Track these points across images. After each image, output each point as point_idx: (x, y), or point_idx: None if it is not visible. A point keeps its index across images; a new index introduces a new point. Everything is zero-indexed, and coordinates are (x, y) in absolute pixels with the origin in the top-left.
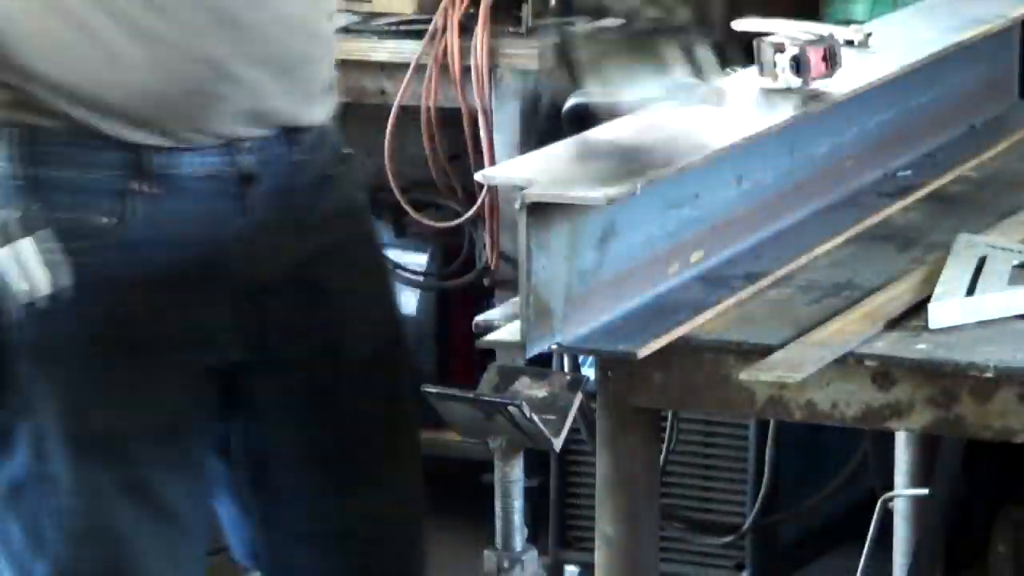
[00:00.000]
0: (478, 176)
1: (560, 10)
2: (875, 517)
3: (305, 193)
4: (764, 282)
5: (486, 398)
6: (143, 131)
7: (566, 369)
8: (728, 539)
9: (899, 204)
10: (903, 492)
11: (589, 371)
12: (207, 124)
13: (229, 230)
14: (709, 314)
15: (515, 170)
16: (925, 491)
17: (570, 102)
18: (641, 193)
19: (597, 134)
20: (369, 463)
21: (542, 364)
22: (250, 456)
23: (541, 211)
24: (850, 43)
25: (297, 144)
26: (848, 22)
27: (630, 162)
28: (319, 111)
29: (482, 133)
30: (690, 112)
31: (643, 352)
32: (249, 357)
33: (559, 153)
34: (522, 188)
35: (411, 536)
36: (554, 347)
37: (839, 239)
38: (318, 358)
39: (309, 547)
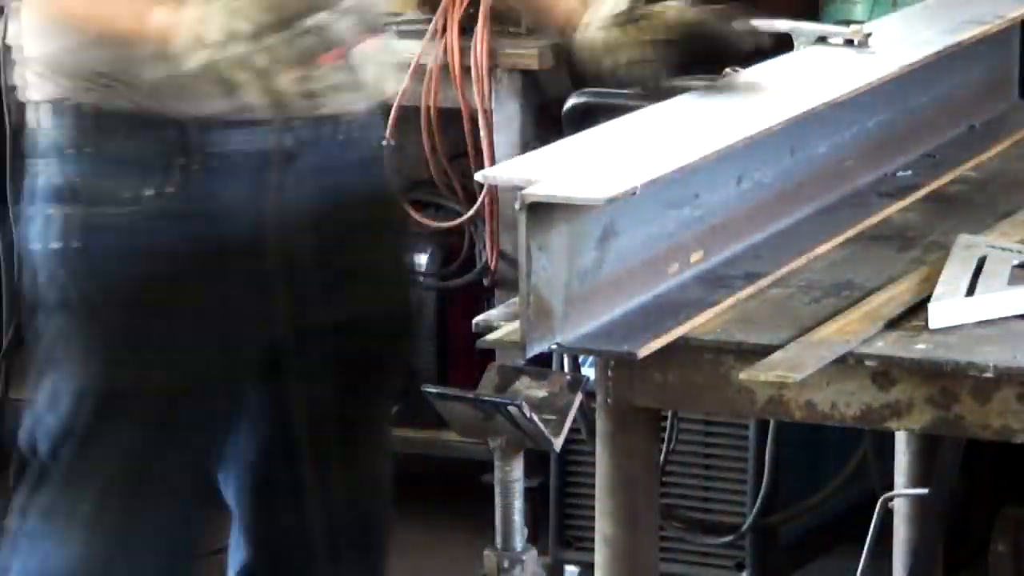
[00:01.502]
0: (478, 176)
1: None
2: (875, 517)
3: (344, 174)
4: (764, 282)
5: (486, 398)
6: (186, 108)
7: (566, 369)
8: (728, 539)
9: (899, 204)
10: (903, 492)
11: (589, 371)
12: (246, 100)
13: (268, 205)
14: (709, 314)
15: (515, 170)
16: (925, 491)
17: (570, 102)
18: (641, 193)
19: (598, 133)
20: (371, 432)
21: (542, 364)
22: (272, 419)
23: (541, 211)
24: (850, 43)
25: (343, 125)
26: (848, 22)
27: (630, 161)
28: (366, 94)
29: (482, 133)
30: (699, 106)
31: (643, 352)
32: (278, 328)
33: (559, 153)
34: (521, 188)
35: (387, 500)
36: (554, 347)
37: (838, 239)
38: (342, 332)
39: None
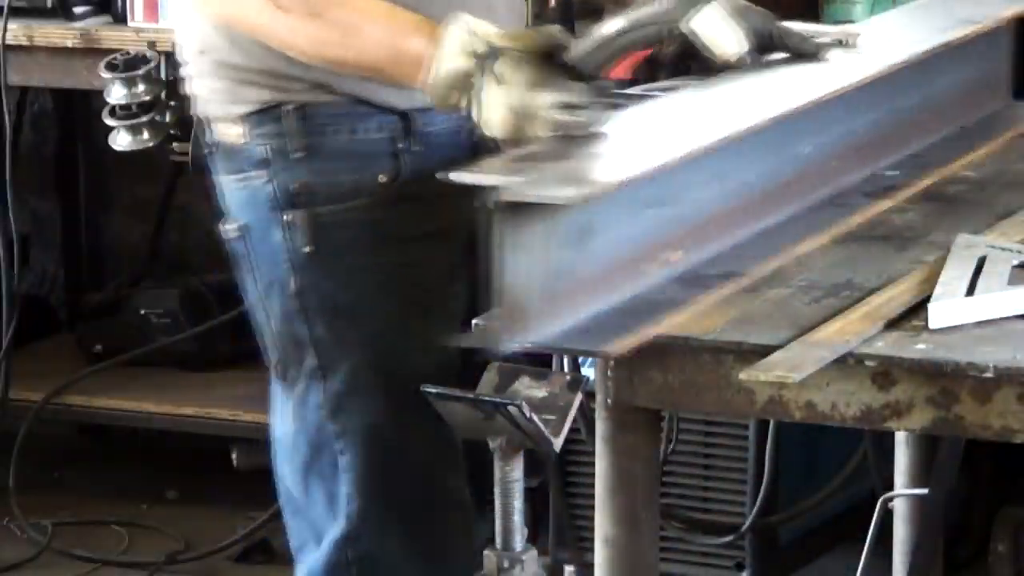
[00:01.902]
0: (450, 176)
1: (560, 10)
2: (875, 517)
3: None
4: (743, 281)
5: (486, 398)
6: (404, 95)
7: (566, 369)
8: (728, 539)
9: (884, 204)
10: (903, 492)
11: (589, 371)
12: None
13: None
14: (686, 313)
15: (487, 170)
16: (925, 491)
17: None
18: (619, 192)
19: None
20: None
21: (542, 364)
22: None
23: (516, 210)
24: (839, 43)
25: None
26: (848, 23)
27: (610, 160)
28: None
29: None
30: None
31: (616, 350)
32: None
33: (536, 152)
34: (493, 188)
35: None
36: (528, 345)
37: (822, 239)
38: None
39: None
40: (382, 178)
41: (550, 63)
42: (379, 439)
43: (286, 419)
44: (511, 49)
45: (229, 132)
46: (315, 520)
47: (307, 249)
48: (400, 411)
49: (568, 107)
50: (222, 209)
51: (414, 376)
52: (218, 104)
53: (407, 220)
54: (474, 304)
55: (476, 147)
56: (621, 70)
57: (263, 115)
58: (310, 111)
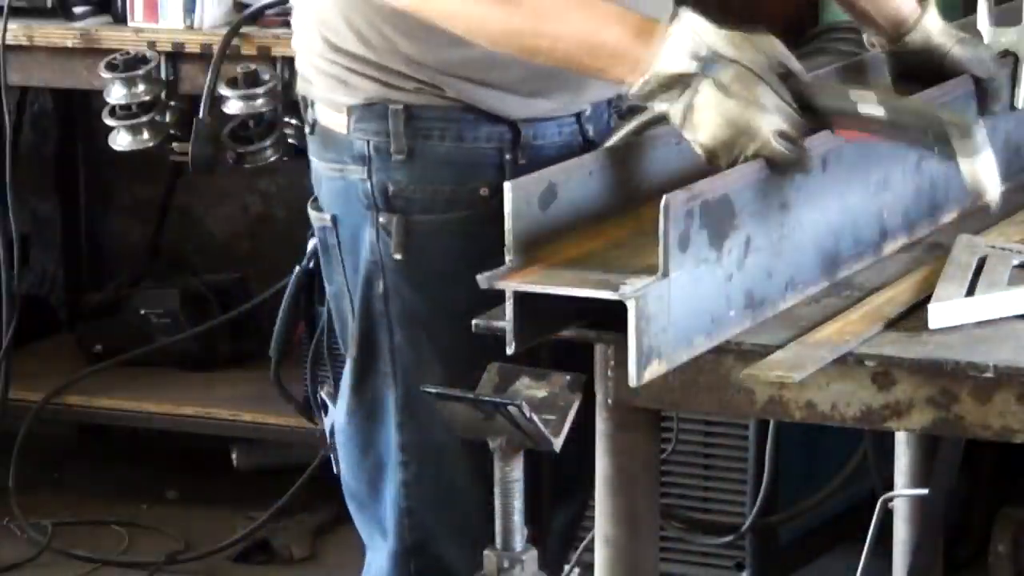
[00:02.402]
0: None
1: None
2: (875, 517)
3: None
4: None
5: (486, 398)
6: (520, 104)
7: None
8: (728, 539)
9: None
10: (903, 492)
11: None
12: (564, 95)
13: None
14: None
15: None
16: (925, 491)
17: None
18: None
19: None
20: None
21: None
22: None
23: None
24: None
25: (613, 108)
26: (849, 23)
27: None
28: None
29: None
30: None
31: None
32: None
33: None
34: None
35: None
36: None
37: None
38: None
39: None
40: (484, 191)
41: (776, 84)
42: (443, 456)
43: (354, 416)
44: (736, 60)
45: (332, 120)
46: (380, 517)
47: (397, 256)
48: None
49: (785, 136)
50: (312, 189)
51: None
52: (325, 89)
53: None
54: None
55: None
56: (847, 134)
57: (369, 110)
58: (416, 112)
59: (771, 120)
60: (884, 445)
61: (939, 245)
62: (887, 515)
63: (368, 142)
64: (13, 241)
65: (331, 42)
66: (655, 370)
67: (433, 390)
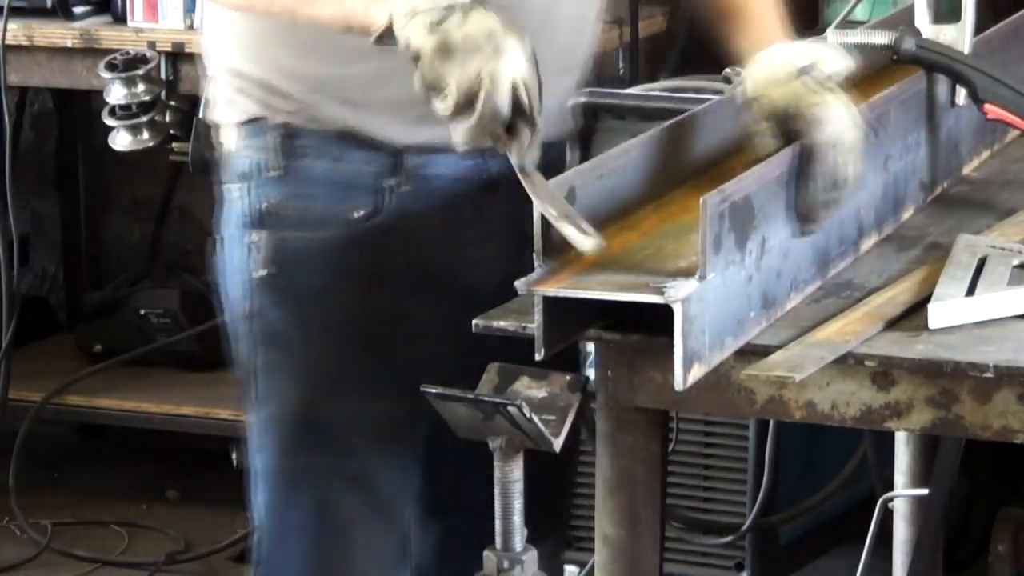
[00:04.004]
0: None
1: None
2: (875, 517)
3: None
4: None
5: (486, 398)
6: (403, 131)
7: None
8: (728, 539)
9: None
10: (903, 492)
11: (589, 371)
12: None
13: (466, 234)
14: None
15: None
16: (925, 491)
17: (571, 101)
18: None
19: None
20: None
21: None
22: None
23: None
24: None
25: (544, 156)
26: (853, 23)
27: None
28: (568, 121)
29: None
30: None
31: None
32: (451, 362)
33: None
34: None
35: None
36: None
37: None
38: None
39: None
40: (358, 212)
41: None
42: (295, 486)
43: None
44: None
45: (226, 139)
46: None
47: (262, 272)
48: (320, 460)
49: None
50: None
51: (339, 427)
52: (220, 109)
53: (379, 260)
54: (465, 360)
55: (484, 197)
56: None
57: (252, 127)
58: (294, 131)
59: (521, 57)
60: (884, 445)
61: (939, 245)
62: (887, 515)
63: (250, 160)
64: (13, 241)
65: (225, 66)
66: (696, 373)
67: (433, 390)
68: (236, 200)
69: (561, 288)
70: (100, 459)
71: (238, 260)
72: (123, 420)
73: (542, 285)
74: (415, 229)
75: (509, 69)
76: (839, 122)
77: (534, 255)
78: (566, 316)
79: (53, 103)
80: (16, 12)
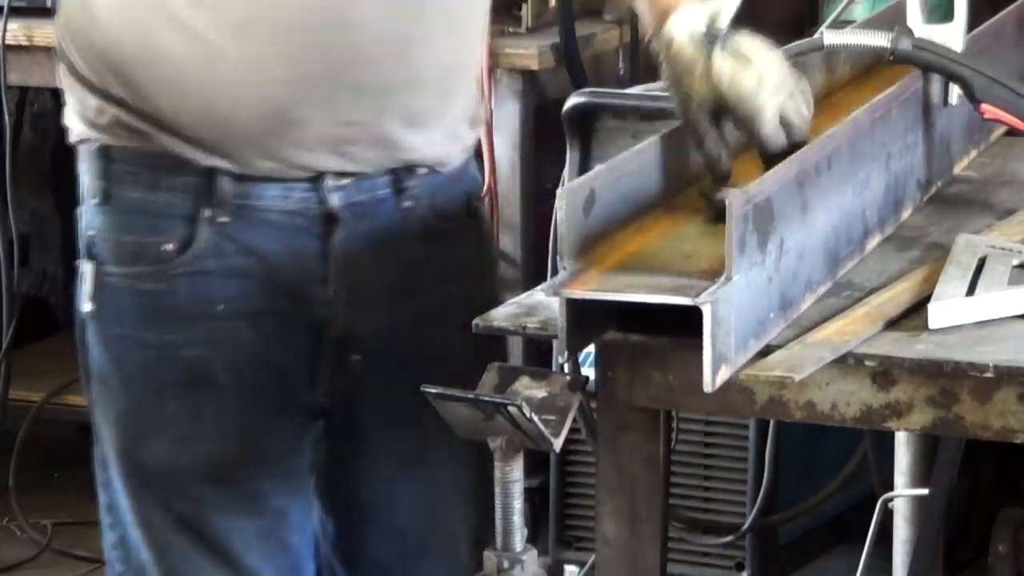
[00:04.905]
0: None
1: (560, 10)
2: (875, 517)
3: (409, 246)
4: None
5: (486, 398)
6: (215, 156)
7: (566, 369)
8: (728, 539)
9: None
10: (903, 492)
11: (589, 371)
12: (283, 152)
13: (309, 272)
14: None
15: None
16: (925, 491)
17: (570, 102)
18: None
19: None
20: None
21: (542, 364)
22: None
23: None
24: None
25: (405, 188)
26: (848, 22)
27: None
28: (437, 150)
29: (482, 133)
30: None
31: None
32: (326, 400)
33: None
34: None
35: None
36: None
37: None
38: (401, 420)
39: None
40: (169, 247)
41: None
42: (136, 522)
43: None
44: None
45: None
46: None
47: (87, 308)
48: (146, 498)
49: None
50: None
51: (160, 470)
52: (70, 132)
53: (193, 298)
54: (310, 398)
55: (326, 235)
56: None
57: (81, 148)
58: (112, 154)
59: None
60: (884, 445)
61: (939, 245)
62: (887, 515)
63: (83, 184)
64: (13, 241)
65: (66, 84)
66: (723, 374)
67: (433, 390)
68: (78, 225)
69: (589, 291)
70: None
71: (77, 291)
72: None
73: (569, 287)
74: (239, 265)
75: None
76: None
77: (558, 257)
78: (587, 319)
79: (53, 103)
80: (16, 12)
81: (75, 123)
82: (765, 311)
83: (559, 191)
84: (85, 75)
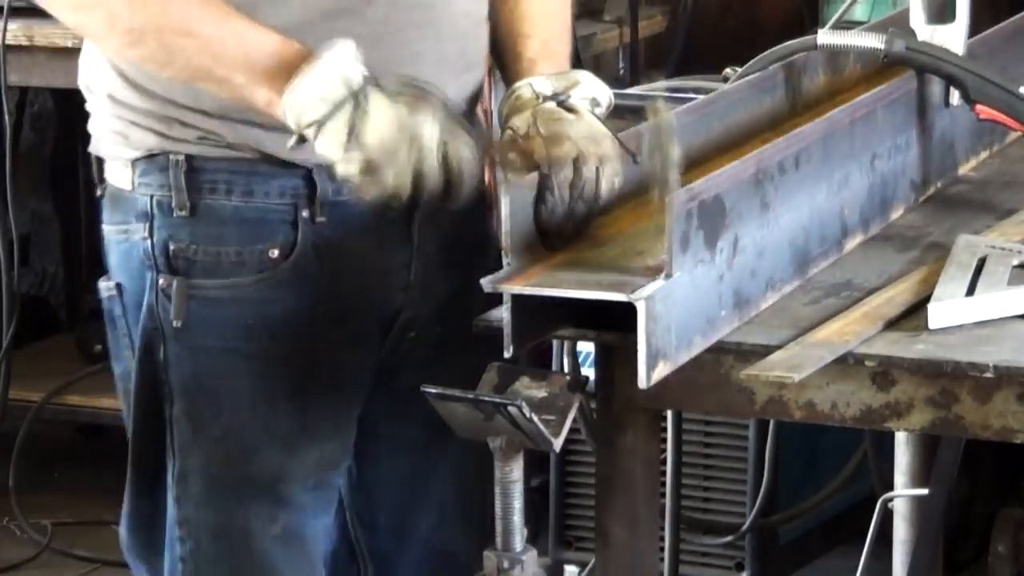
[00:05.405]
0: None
1: None
2: (875, 517)
3: (458, 222)
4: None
5: (486, 398)
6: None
7: (566, 369)
8: (728, 539)
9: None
10: (903, 492)
11: (589, 371)
12: None
13: (395, 259)
14: None
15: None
16: (925, 491)
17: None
18: None
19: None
20: None
21: (542, 364)
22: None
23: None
24: None
25: None
26: (849, 23)
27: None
28: (475, 116)
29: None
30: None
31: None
32: (378, 395)
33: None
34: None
35: None
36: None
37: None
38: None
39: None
40: (274, 253)
41: (441, 105)
42: (220, 536)
43: (134, 498)
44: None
45: (119, 177)
46: None
47: (177, 323)
48: (247, 511)
49: (450, 151)
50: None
51: (269, 478)
52: (110, 145)
53: (298, 304)
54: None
55: (405, 216)
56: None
57: (151, 162)
58: (199, 164)
59: (436, 130)
60: (884, 445)
61: (939, 245)
62: (887, 515)
63: (151, 197)
64: (13, 241)
65: (114, 97)
66: (661, 371)
67: (433, 390)
68: (138, 243)
69: (528, 286)
70: (100, 459)
71: (148, 305)
72: (123, 420)
73: (509, 283)
74: (335, 264)
75: (432, 147)
76: (579, 138)
77: (502, 253)
78: (537, 314)
79: (53, 103)
80: (16, 12)
81: (141, 137)
82: (715, 308)
83: (502, 186)
84: (152, 109)
